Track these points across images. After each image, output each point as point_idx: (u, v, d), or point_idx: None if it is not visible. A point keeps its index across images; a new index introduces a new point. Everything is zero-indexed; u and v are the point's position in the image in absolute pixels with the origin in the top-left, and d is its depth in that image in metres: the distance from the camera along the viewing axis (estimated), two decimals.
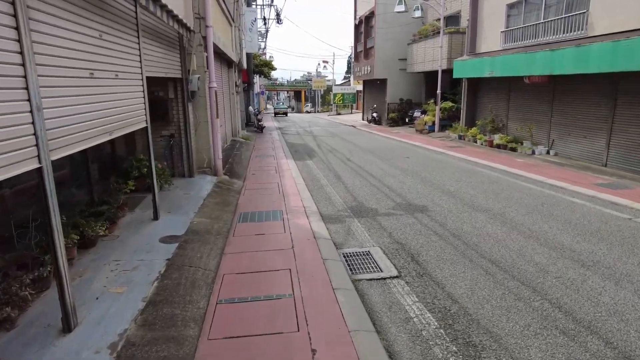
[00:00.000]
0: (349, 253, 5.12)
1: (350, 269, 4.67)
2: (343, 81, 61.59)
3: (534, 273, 4.57)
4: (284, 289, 4.03)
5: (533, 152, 13.50)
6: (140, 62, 5.08)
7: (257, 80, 36.26)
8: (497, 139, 15.37)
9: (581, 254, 5.08)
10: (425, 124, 20.73)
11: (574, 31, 11.91)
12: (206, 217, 6.16)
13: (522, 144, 14.30)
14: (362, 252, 5.15)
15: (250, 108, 24.70)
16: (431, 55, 21.33)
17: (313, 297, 3.87)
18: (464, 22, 20.60)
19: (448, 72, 19.63)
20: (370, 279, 4.44)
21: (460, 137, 17.44)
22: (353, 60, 33.96)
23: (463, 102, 18.38)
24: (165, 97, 8.00)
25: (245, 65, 20.73)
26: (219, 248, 5.09)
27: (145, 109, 5.27)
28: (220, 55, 12.61)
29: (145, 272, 4.19)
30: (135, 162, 6.89)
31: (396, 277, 4.48)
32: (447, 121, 20.44)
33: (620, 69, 9.74)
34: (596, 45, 10.31)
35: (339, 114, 47.07)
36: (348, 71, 69.31)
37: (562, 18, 12.35)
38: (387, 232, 5.92)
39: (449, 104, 20.24)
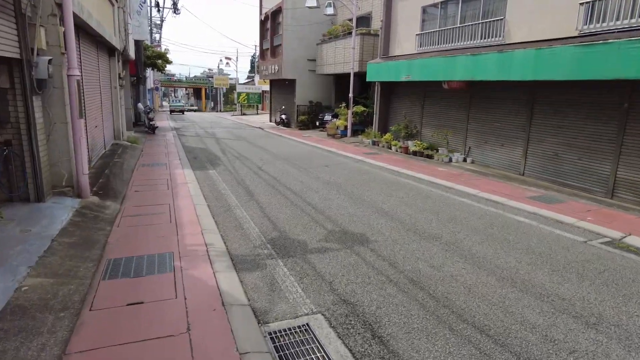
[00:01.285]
0: (280, 332, 3.37)
1: None
2: (247, 80, 59.11)
3: (541, 344, 3.31)
4: None
5: (450, 160, 13.07)
6: None
7: (151, 74, 32.35)
8: (412, 145, 14.82)
9: (575, 304, 4.01)
10: (337, 128, 19.73)
11: (492, 37, 11.61)
12: (49, 274, 3.93)
13: (437, 151, 13.86)
14: (299, 327, 3.44)
15: (140, 105, 21.41)
16: (342, 57, 20.44)
17: None
18: (375, 24, 20.09)
19: (359, 75, 18.86)
20: None
21: (374, 143, 16.68)
22: (259, 58, 32.05)
23: (376, 107, 17.69)
24: None
25: (133, 56, 17.62)
26: (59, 343, 2.99)
27: None
28: (94, 38, 9.90)
29: None
30: None
31: None
32: (359, 126, 19.69)
33: (542, 78, 9.44)
34: (519, 52, 9.96)
35: (244, 114, 44.68)
36: (252, 70, 66.95)
37: (479, 24, 12.02)
38: (327, 281, 4.31)
39: (360, 108, 19.48)
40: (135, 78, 21.91)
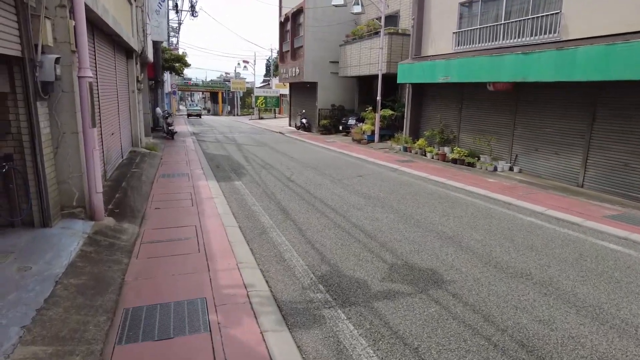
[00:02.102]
0: None
1: None
2: (262, 84, 58.47)
3: None
4: None
5: (495, 169, 11.88)
6: None
7: (168, 77, 31.78)
8: (450, 152, 13.67)
9: None
10: (363, 133, 18.65)
11: (545, 34, 10.41)
12: (48, 338, 2.97)
13: (479, 158, 12.68)
14: None
15: (158, 110, 20.68)
16: (367, 58, 19.38)
17: None
18: (403, 23, 19.02)
19: (386, 77, 17.79)
20: None
21: (405, 149, 15.55)
22: (278, 60, 31.22)
23: (407, 111, 16.56)
24: None
25: (151, 59, 16.87)
26: None
27: None
28: (111, 38, 9.06)
29: None
30: None
31: None
32: (387, 131, 18.59)
33: (616, 78, 8.24)
34: (584, 49, 8.76)
35: (261, 118, 43.96)
36: (267, 74, 66.25)
37: (529, 19, 10.84)
38: (411, 347, 3.24)
39: (388, 111, 18.37)
40: (153, 82, 21.23)
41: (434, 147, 14.65)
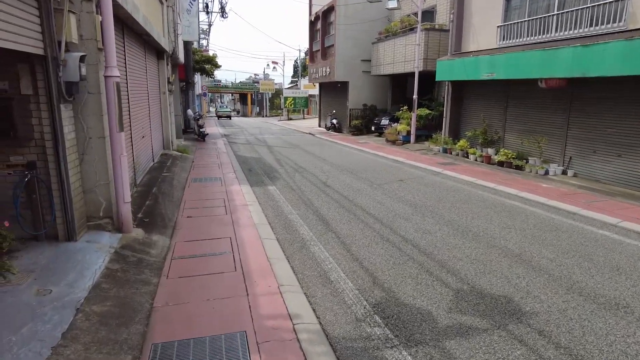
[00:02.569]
0: None
1: None
2: (290, 85, 58.23)
3: None
4: None
5: (546, 172, 10.91)
6: None
7: (199, 79, 31.86)
8: (495, 154, 12.76)
9: None
10: (398, 133, 17.86)
11: (607, 24, 9.39)
12: None
13: (527, 161, 11.72)
14: None
15: (189, 111, 20.54)
16: (402, 56, 18.58)
17: None
18: (440, 18, 18.13)
19: (421, 75, 16.95)
20: None
21: (445, 151, 14.69)
22: (308, 60, 30.74)
23: (446, 109, 15.68)
24: (11, 94, 4.15)
25: (182, 60, 16.67)
26: None
27: None
28: (141, 37, 8.73)
29: None
30: None
31: None
32: (423, 131, 17.74)
33: None
34: None
35: (290, 119, 43.65)
36: (294, 75, 66.04)
37: (586, 8, 9.83)
38: None
39: (425, 111, 17.51)
40: (184, 83, 21.14)
41: (476, 148, 13.75)
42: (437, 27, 17.58)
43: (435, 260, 4.92)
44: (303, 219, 6.63)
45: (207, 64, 24.48)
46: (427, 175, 10.78)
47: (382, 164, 12.66)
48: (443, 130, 15.81)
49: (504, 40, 12.61)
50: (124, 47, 6.94)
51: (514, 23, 12.14)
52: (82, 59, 4.28)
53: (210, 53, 30.94)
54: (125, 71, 6.94)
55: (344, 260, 4.92)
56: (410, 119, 17.41)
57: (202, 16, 31.30)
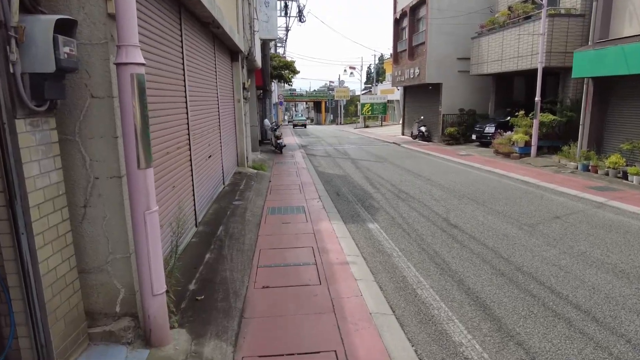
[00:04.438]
0: None
1: None
2: (364, 91, 55.73)
3: None
4: None
5: None
6: None
7: (276, 87, 30.56)
8: None
9: None
10: (513, 144, 14.53)
11: None
12: None
13: None
14: None
15: (267, 121, 18.90)
16: (514, 50, 15.23)
17: None
18: (565, 2, 14.54)
19: (534, 73, 13.50)
20: None
21: (585, 168, 11.22)
22: (392, 61, 28.08)
23: (584, 115, 12.17)
24: None
25: (260, 64, 14.97)
26: None
27: None
28: (208, 28, 6.79)
29: None
30: None
31: None
32: (544, 141, 14.26)
33: None
34: None
35: (367, 126, 41.15)
36: (367, 82, 63.44)
37: None
38: None
39: (549, 116, 14.00)
40: (261, 91, 19.60)
41: (636, 165, 10.17)
42: (564, 11, 14.07)
43: None
44: (444, 298, 4.08)
45: (285, 70, 22.83)
46: (588, 208, 7.64)
47: (510, 187, 9.65)
48: (580, 141, 12.29)
49: None
50: (181, 34, 4.93)
51: None
52: (63, 28, 2.17)
53: (288, 59, 29.50)
54: (183, 69, 4.93)
55: None
56: (530, 126, 14.02)
57: (280, 21, 30.03)
